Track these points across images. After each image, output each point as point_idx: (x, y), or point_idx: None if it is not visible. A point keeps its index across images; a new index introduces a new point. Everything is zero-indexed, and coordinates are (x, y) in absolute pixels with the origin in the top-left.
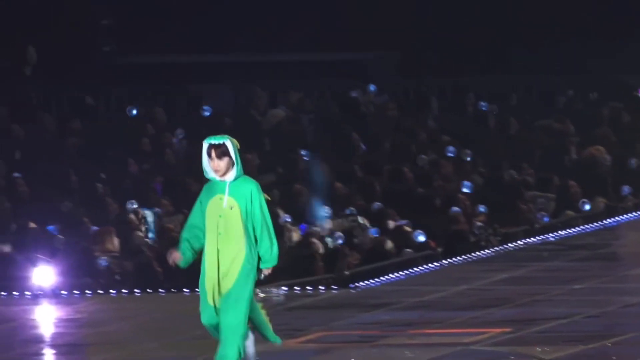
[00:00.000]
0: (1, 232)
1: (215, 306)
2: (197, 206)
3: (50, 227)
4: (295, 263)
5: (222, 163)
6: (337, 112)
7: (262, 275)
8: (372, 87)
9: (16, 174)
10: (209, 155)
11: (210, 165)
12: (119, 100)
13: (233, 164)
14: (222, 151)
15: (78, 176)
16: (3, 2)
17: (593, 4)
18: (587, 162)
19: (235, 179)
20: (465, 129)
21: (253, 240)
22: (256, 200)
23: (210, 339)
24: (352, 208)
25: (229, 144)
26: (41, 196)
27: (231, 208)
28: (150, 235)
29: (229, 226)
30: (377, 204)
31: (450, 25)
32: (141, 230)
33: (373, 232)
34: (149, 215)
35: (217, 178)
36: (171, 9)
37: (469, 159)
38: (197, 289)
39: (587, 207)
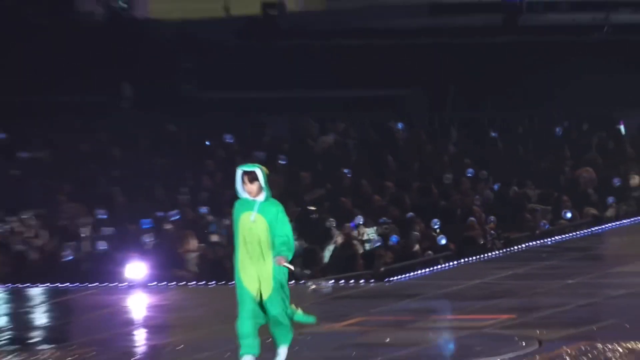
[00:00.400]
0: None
1: (257, 304)
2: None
3: (145, 223)
4: (340, 261)
5: (254, 187)
6: (375, 139)
7: (278, 262)
8: (399, 125)
9: (114, 188)
10: (242, 180)
11: (243, 188)
12: (198, 127)
13: (262, 188)
14: (252, 177)
15: (164, 189)
16: (98, 45)
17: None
18: (578, 180)
19: (265, 200)
20: (479, 153)
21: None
22: (281, 217)
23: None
24: (385, 218)
25: (259, 171)
26: (134, 205)
27: (256, 222)
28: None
29: (254, 235)
30: (409, 214)
31: (467, 68)
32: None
33: (393, 238)
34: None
35: (250, 198)
36: (238, 54)
37: (484, 177)
38: None
39: (569, 215)
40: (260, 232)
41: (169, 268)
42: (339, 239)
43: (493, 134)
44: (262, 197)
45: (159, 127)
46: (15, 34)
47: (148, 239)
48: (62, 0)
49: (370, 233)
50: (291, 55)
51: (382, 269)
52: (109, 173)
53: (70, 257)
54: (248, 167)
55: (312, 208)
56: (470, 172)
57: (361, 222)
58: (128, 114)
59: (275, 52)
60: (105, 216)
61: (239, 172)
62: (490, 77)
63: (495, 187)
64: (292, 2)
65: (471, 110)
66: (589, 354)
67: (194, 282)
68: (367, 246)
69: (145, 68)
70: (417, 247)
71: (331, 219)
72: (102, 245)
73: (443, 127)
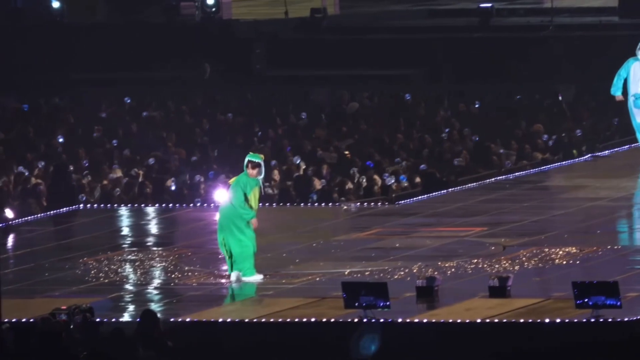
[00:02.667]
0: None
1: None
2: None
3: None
4: (364, 192)
5: (254, 171)
6: (391, 104)
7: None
8: (407, 96)
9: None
10: (247, 165)
11: (248, 171)
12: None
13: (260, 172)
14: (254, 165)
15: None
16: (196, 38)
17: None
18: (532, 133)
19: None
20: (465, 116)
21: None
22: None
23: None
24: (399, 159)
25: (260, 161)
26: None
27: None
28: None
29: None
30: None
31: (455, 55)
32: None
33: (402, 178)
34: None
35: (254, 177)
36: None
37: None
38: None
39: (507, 163)
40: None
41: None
42: (364, 182)
43: (476, 104)
44: (260, 177)
45: (239, 95)
46: (136, 30)
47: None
48: (171, 6)
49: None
50: (331, 46)
51: (394, 195)
52: (203, 127)
53: (174, 187)
54: (254, 158)
55: (347, 152)
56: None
57: (372, 165)
58: (217, 85)
59: (320, 43)
60: (195, 158)
61: (246, 159)
62: (472, 61)
63: (475, 139)
64: (331, 7)
65: (459, 85)
66: (539, 256)
67: (260, 204)
68: (385, 180)
69: (227, 54)
70: (419, 181)
71: (354, 168)
72: (197, 178)
73: (438, 97)
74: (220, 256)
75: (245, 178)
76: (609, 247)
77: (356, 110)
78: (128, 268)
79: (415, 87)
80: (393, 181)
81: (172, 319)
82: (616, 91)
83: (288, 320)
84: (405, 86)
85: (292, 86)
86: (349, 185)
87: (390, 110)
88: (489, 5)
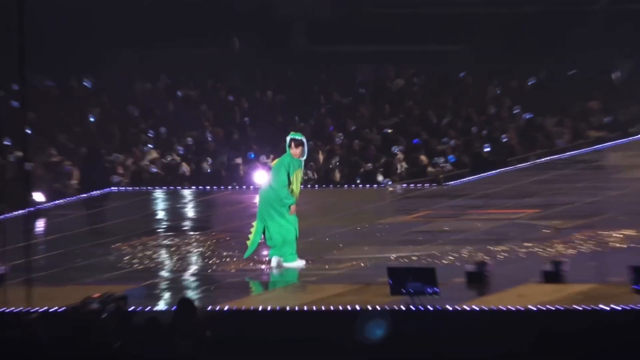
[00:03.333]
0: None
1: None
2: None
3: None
4: (408, 173)
5: (298, 150)
6: (438, 81)
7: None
8: (461, 74)
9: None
10: (290, 144)
11: (291, 151)
12: (301, 77)
13: (303, 152)
14: (298, 143)
15: (282, 119)
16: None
17: None
18: (587, 110)
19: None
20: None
21: None
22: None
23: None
24: (446, 138)
25: (304, 139)
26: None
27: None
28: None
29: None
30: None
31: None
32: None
33: (450, 158)
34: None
35: (295, 157)
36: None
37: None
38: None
39: (560, 142)
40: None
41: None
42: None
43: (529, 81)
44: (304, 157)
45: (279, 73)
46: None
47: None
48: None
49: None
50: (376, 21)
51: (442, 176)
52: (241, 106)
53: (210, 170)
54: (296, 136)
55: (389, 130)
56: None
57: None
58: (255, 63)
59: (364, 16)
60: (235, 138)
61: (288, 138)
62: (524, 36)
63: (526, 116)
64: None
65: (510, 62)
66: (594, 239)
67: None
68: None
69: (265, 29)
70: (469, 161)
71: (395, 147)
72: (236, 160)
73: (488, 74)
74: (261, 240)
75: (289, 158)
76: None
77: (401, 88)
78: (163, 254)
79: (463, 64)
80: (442, 161)
81: (209, 308)
82: None
83: (332, 308)
84: (452, 63)
85: (333, 63)
86: (396, 165)
87: (437, 88)
88: None
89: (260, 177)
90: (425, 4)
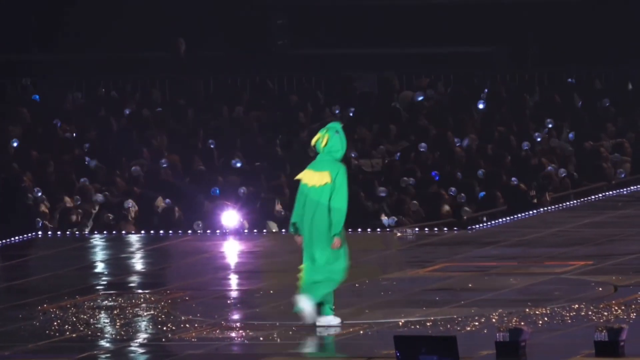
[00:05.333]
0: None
1: None
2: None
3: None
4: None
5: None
6: (463, 93)
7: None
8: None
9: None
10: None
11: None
12: (288, 83)
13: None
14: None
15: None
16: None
17: None
18: None
19: None
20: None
21: None
22: None
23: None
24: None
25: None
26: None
27: None
28: None
29: None
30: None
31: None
32: None
33: (480, 194)
34: None
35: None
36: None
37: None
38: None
39: (621, 173)
40: None
41: (261, 218)
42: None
43: (573, 91)
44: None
45: (255, 83)
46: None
47: (242, 189)
48: None
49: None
50: (380, 14)
51: (465, 217)
52: (206, 126)
53: (168, 206)
54: (336, 125)
55: (395, 158)
56: (548, 124)
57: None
58: (224, 69)
59: (365, 10)
60: (203, 168)
61: (324, 132)
62: (569, 34)
63: (571, 136)
64: None
65: (551, 66)
66: None
67: (284, 230)
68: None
69: (238, 26)
70: (499, 196)
71: (405, 178)
72: (198, 195)
73: (524, 83)
74: (230, 301)
75: (332, 163)
76: None
77: (411, 101)
78: (104, 318)
79: (493, 71)
80: (465, 198)
81: None
82: None
83: None
84: (480, 69)
85: (325, 69)
86: (408, 203)
87: (460, 102)
88: None
89: (230, 218)
90: None
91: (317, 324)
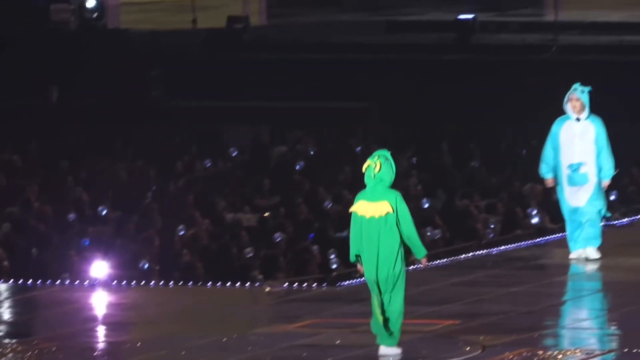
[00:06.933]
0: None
1: None
2: None
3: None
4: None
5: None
6: (332, 149)
7: None
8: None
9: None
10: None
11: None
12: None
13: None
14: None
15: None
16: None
17: None
18: (524, 193)
19: None
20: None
21: None
22: None
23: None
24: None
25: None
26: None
27: None
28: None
29: None
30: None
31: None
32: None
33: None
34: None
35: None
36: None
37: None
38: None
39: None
40: None
41: (130, 268)
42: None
43: (444, 148)
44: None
45: (128, 132)
46: None
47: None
48: (37, 11)
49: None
50: (255, 67)
51: (335, 273)
52: (78, 176)
53: (37, 255)
54: (385, 153)
55: (266, 214)
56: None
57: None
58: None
59: (240, 63)
60: (73, 217)
61: (375, 159)
62: (444, 92)
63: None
64: (256, 16)
65: (423, 125)
66: None
67: (153, 282)
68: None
69: (115, 74)
70: None
71: (279, 234)
72: (68, 245)
73: (397, 141)
74: (97, 352)
75: (387, 191)
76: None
77: (283, 156)
78: None
79: (366, 126)
80: (334, 256)
81: None
82: (547, 172)
83: None
84: (352, 124)
85: (199, 121)
86: (279, 259)
87: (332, 157)
88: (471, 16)
89: (99, 269)
90: (321, 45)
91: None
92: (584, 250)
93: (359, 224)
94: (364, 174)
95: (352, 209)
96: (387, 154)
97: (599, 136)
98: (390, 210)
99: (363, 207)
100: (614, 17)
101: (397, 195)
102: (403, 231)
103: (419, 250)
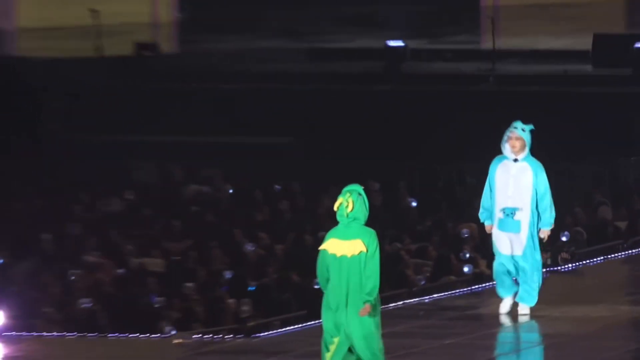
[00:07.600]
0: None
1: None
2: None
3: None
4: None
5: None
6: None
7: None
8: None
9: None
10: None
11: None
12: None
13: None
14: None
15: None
16: None
17: None
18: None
19: None
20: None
21: None
22: None
23: None
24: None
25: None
26: None
27: None
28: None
29: None
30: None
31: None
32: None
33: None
34: None
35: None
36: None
37: None
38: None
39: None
40: None
41: (28, 318)
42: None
43: (375, 188)
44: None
45: (23, 170)
46: None
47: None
48: None
49: None
50: (164, 98)
51: (251, 323)
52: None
53: None
54: (356, 188)
55: (177, 258)
56: None
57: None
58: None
59: (147, 94)
60: None
61: (346, 195)
62: (373, 126)
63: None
64: (166, 42)
65: (351, 161)
66: None
67: (52, 333)
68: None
69: (6, 107)
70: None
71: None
72: None
73: (322, 179)
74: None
75: (361, 229)
76: None
77: (196, 196)
78: None
79: (286, 163)
80: (247, 307)
81: None
82: (487, 218)
83: None
84: (271, 161)
85: (104, 157)
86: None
87: (251, 196)
88: (401, 44)
89: None
90: (238, 74)
91: None
92: (516, 302)
93: (328, 262)
94: (335, 212)
95: (321, 247)
96: (360, 189)
97: (539, 182)
98: (364, 249)
99: (334, 245)
100: (557, 45)
101: (371, 234)
102: (366, 269)
103: (371, 294)
